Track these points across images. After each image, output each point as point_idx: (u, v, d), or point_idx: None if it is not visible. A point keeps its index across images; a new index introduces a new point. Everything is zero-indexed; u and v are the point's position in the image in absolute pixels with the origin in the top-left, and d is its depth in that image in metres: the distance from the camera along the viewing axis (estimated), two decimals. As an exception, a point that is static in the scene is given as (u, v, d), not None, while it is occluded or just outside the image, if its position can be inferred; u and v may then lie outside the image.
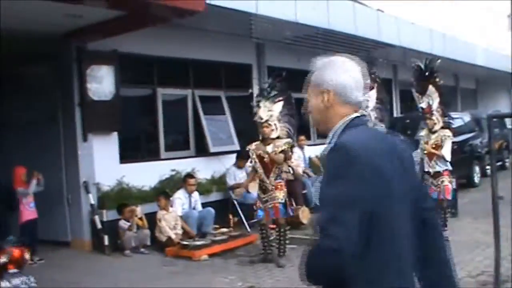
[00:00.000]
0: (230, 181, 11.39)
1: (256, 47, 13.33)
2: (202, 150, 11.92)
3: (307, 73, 2.54)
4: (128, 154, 10.85)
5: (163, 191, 10.25)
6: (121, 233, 9.64)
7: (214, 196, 11.49)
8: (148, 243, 9.78)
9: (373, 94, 7.82)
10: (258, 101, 8.77)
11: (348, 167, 2.23)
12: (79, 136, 10.06)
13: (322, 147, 2.32)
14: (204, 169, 11.61)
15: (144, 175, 10.70)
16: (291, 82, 8.76)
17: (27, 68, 10.60)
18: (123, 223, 9.63)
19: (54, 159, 10.30)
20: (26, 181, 9.44)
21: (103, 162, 10.23)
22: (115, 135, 10.49)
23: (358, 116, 2.45)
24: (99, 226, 9.78)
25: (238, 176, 11.32)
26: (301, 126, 9.55)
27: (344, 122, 2.44)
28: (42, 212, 9.77)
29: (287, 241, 8.82)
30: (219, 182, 11.75)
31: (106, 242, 9.64)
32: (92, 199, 9.93)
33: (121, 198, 10.14)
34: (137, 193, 10.36)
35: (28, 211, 9.44)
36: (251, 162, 9.10)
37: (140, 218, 9.79)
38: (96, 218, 9.81)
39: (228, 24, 11.01)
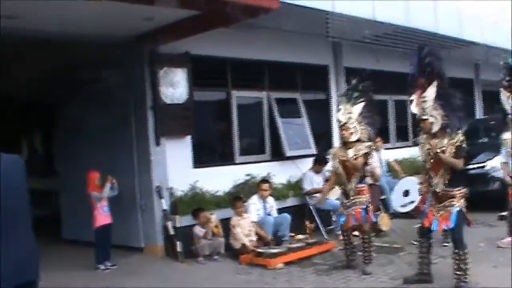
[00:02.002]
0: (307, 186, 11.00)
1: (333, 47, 12.91)
2: (277, 154, 11.59)
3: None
4: (202, 158, 10.63)
5: (237, 196, 9.97)
6: (195, 240, 9.39)
7: (290, 202, 11.11)
8: (222, 251, 9.48)
9: (431, 91, 7.13)
10: (339, 104, 8.43)
11: None
12: (152, 140, 9.88)
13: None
14: (280, 173, 11.29)
15: (218, 180, 10.46)
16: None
17: (101, 73, 10.56)
18: (199, 230, 9.37)
19: (128, 164, 10.16)
20: (100, 185, 9.34)
21: (176, 167, 10.04)
22: (188, 139, 10.28)
23: None
24: (172, 232, 9.57)
25: (315, 181, 10.92)
26: (379, 128, 9.06)
27: None
28: (115, 217, 9.62)
29: (372, 248, 8.35)
30: (295, 187, 11.37)
31: (179, 248, 9.42)
32: (165, 204, 9.73)
33: (194, 203, 9.92)
34: (211, 199, 10.11)
35: (102, 215, 9.33)
36: (332, 166, 8.69)
37: (216, 226, 9.53)
38: (169, 224, 9.61)
39: (303, 23, 10.63)
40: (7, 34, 8.77)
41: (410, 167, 12.75)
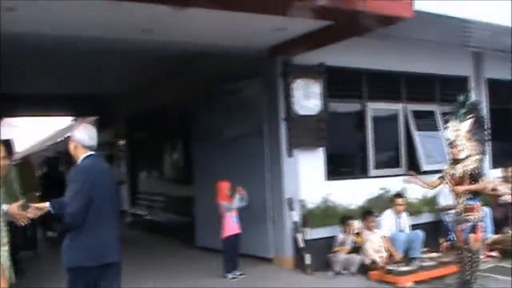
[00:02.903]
0: (443, 202, 10.55)
1: (474, 57, 12.33)
2: (413, 168, 11.19)
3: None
4: (334, 170, 10.50)
5: (369, 211, 9.73)
6: (334, 247, 9.35)
7: (425, 218, 10.72)
8: (355, 269, 9.22)
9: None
10: (446, 121, 8.14)
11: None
12: (284, 151, 9.87)
13: None
14: (415, 188, 10.87)
15: (351, 193, 10.30)
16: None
17: (234, 84, 10.68)
18: (340, 237, 9.36)
19: (259, 174, 10.20)
20: (230, 195, 9.43)
21: (308, 179, 9.99)
22: (321, 151, 10.20)
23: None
24: (301, 244, 9.50)
25: (451, 197, 10.41)
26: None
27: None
28: (246, 227, 9.71)
29: (478, 267, 7.87)
30: (430, 202, 10.93)
31: (308, 261, 9.33)
32: (296, 216, 9.67)
33: (325, 216, 9.82)
34: (343, 212, 9.92)
35: (231, 225, 9.43)
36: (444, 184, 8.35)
37: (357, 233, 9.39)
38: (299, 236, 9.54)
39: (441, 32, 10.16)
40: (147, 47, 9.14)
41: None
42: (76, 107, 19.91)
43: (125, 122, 19.05)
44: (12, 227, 5.31)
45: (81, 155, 5.24)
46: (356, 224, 9.35)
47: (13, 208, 4.94)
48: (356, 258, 9.24)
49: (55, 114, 23.64)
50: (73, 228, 5.00)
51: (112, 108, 19.60)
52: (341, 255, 9.20)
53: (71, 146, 5.33)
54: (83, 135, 5.30)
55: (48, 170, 16.31)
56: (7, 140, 9.89)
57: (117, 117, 19.74)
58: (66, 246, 5.06)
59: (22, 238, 10.88)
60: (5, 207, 4.93)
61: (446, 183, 8.08)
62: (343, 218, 9.57)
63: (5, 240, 4.87)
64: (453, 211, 9.51)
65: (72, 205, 4.92)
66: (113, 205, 5.32)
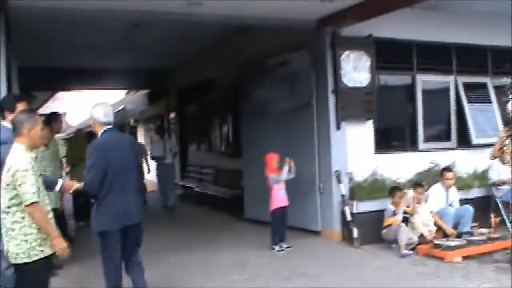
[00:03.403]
0: (494, 177, 10.34)
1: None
2: (464, 142, 11.05)
3: None
4: (383, 144, 10.42)
5: (418, 183, 9.61)
6: (387, 220, 9.19)
7: (475, 192, 10.54)
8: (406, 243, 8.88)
9: None
10: (508, 94, 7.92)
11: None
12: (332, 124, 9.83)
13: None
14: (465, 162, 10.75)
15: (400, 166, 10.24)
16: None
17: (284, 56, 10.65)
18: (391, 207, 9.16)
19: (308, 147, 10.20)
20: (279, 167, 9.45)
21: (356, 152, 9.95)
22: (370, 123, 10.12)
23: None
24: (349, 217, 9.49)
25: (503, 172, 10.24)
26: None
27: None
28: (294, 199, 9.74)
29: None
30: (481, 177, 10.75)
31: (355, 234, 9.32)
32: (343, 189, 9.65)
33: (373, 189, 9.78)
34: (392, 185, 9.84)
35: (279, 198, 9.45)
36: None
37: (408, 206, 9.21)
38: (347, 209, 9.53)
39: (492, 2, 9.93)
40: (195, 20, 9.19)
41: None
42: (128, 80, 20.18)
43: (176, 95, 19.23)
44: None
45: (99, 130, 6.00)
46: (411, 193, 9.14)
47: (67, 182, 5.91)
48: (413, 237, 8.94)
49: (109, 88, 23.98)
50: (92, 195, 6.05)
51: (164, 82, 19.80)
52: (393, 227, 8.99)
53: (91, 123, 6.24)
54: (99, 113, 6.00)
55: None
56: (57, 113, 10.15)
57: (169, 90, 19.95)
58: (94, 214, 5.99)
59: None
60: (60, 180, 5.81)
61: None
62: (394, 188, 9.40)
63: (49, 207, 5.12)
64: (507, 185, 9.40)
65: (88, 176, 5.80)
66: (132, 174, 6.14)
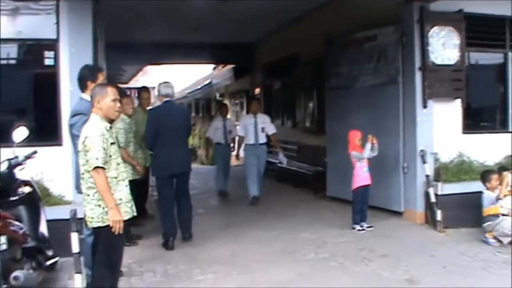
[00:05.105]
0: None
1: None
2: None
3: None
4: (471, 124, 10.09)
5: (503, 167, 9.16)
6: (486, 209, 8.49)
7: None
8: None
9: None
10: None
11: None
12: (418, 102, 9.51)
13: None
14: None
15: (489, 148, 9.86)
16: None
17: (369, 32, 10.39)
18: (489, 193, 8.50)
19: (392, 125, 9.94)
20: (361, 145, 9.26)
21: (443, 131, 9.64)
22: (458, 102, 9.78)
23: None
24: (433, 199, 9.18)
25: None
26: None
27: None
28: (377, 179, 9.57)
29: None
30: None
31: (439, 217, 9.02)
32: (428, 170, 9.35)
33: (460, 171, 9.46)
34: (479, 168, 9.48)
35: (361, 176, 9.26)
36: None
37: (509, 191, 8.50)
38: (431, 190, 9.23)
39: None
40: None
41: None
42: (215, 55, 20.27)
43: (261, 70, 19.18)
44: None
45: (161, 101, 8.55)
46: (510, 176, 8.55)
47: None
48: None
49: (196, 62, 24.22)
50: (149, 148, 8.80)
51: (249, 57, 19.79)
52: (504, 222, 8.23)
53: (157, 95, 8.75)
54: (160, 87, 8.57)
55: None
56: (146, 87, 10.57)
57: (254, 65, 19.93)
58: (152, 163, 8.68)
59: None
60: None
61: None
62: (489, 171, 8.80)
63: (124, 175, 5.26)
64: None
65: (145, 134, 8.55)
66: (182, 134, 8.50)
